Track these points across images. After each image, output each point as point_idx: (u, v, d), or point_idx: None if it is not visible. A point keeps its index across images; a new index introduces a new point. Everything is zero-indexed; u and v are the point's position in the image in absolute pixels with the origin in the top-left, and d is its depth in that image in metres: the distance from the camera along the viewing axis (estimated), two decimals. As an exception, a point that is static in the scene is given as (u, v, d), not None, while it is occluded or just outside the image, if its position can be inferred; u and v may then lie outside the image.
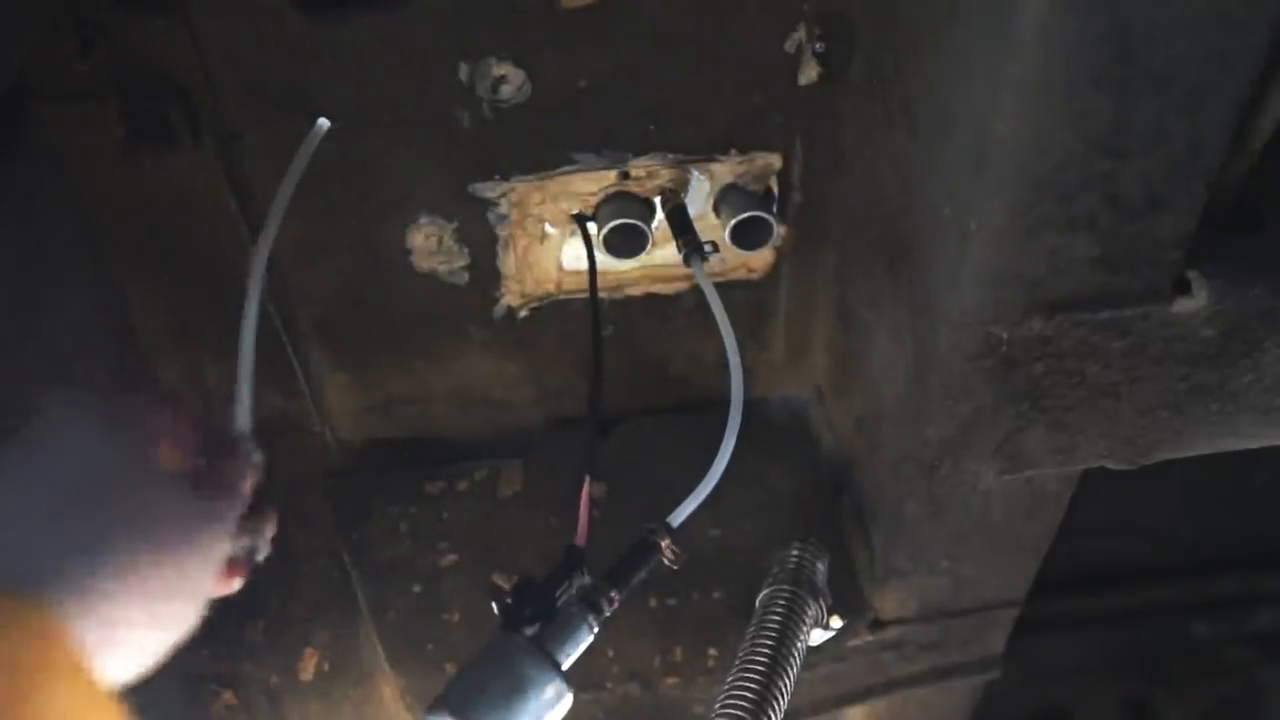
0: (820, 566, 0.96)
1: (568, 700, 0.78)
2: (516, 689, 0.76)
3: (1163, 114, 0.62)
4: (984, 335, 0.73)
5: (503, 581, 0.84)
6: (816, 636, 0.96)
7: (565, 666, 0.79)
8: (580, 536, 0.84)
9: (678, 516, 0.86)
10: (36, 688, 0.47)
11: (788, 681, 0.86)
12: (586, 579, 0.83)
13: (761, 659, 0.86)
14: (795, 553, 0.96)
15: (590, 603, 0.81)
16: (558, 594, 0.82)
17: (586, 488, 0.86)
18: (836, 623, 0.98)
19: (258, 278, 0.73)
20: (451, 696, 0.77)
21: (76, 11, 0.76)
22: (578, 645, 0.80)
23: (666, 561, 0.86)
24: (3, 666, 0.47)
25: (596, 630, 0.81)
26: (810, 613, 0.92)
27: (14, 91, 0.76)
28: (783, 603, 0.91)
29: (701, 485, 0.88)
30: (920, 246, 0.78)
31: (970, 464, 0.84)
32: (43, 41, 0.75)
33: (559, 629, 0.80)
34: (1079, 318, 0.73)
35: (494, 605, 0.83)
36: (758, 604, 0.94)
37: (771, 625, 0.89)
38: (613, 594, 0.82)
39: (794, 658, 0.88)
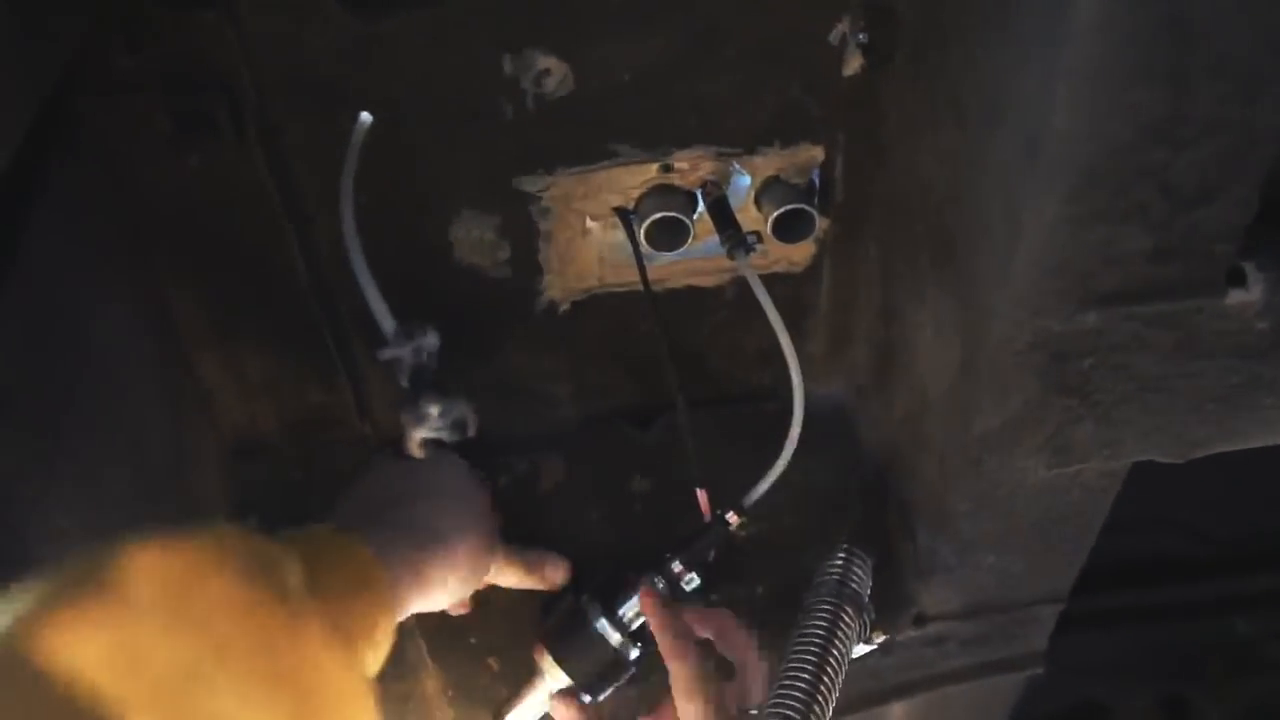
0: (863, 575, 0.94)
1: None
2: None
3: (1220, 102, 0.61)
4: (1034, 329, 0.73)
5: None
6: (858, 651, 0.95)
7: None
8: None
9: (750, 498, 0.95)
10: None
11: (829, 699, 0.85)
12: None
13: (803, 681, 0.84)
14: (839, 562, 0.94)
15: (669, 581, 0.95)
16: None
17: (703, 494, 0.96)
18: (879, 637, 0.98)
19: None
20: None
21: (122, 7, 0.76)
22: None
23: (734, 540, 0.98)
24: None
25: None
26: (853, 628, 0.90)
27: (62, 88, 0.76)
28: (825, 618, 0.89)
29: (773, 469, 0.94)
30: (967, 239, 0.77)
31: (1017, 458, 0.83)
32: (89, 38, 0.76)
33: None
34: (1130, 311, 0.72)
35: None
36: (799, 615, 0.92)
37: (814, 643, 0.87)
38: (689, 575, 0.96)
39: (835, 675, 0.87)
